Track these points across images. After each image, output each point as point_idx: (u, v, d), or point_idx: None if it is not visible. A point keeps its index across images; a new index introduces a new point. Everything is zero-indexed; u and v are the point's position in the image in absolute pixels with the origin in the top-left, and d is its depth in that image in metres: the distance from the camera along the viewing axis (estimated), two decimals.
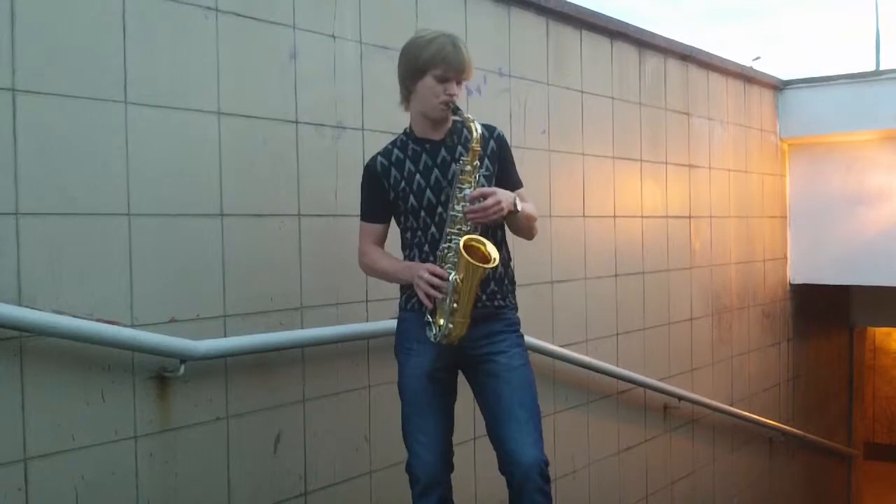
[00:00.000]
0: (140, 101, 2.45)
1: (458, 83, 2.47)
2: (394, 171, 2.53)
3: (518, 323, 2.60)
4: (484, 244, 2.39)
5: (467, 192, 2.39)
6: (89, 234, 2.35)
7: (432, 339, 2.42)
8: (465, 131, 2.50)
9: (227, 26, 2.68)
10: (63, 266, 2.28)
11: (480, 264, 2.33)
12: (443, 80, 2.44)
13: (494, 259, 2.35)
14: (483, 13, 3.68)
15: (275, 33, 2.84)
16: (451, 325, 2.38)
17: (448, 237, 2.41)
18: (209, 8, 2.63)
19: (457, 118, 2.48)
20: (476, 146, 2.41)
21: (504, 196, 2.41)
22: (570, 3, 4.14)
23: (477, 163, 2.42)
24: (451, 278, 2.36)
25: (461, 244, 2.34)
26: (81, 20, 2.33)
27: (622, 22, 4.55)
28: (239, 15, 2.72)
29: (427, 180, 2.50)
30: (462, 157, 2.43)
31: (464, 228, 2.40)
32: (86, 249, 2.34)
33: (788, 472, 6.53)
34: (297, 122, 2.90)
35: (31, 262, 2.22)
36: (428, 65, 2.43)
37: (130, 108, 2.43)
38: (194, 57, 2.60)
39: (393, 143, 2.60)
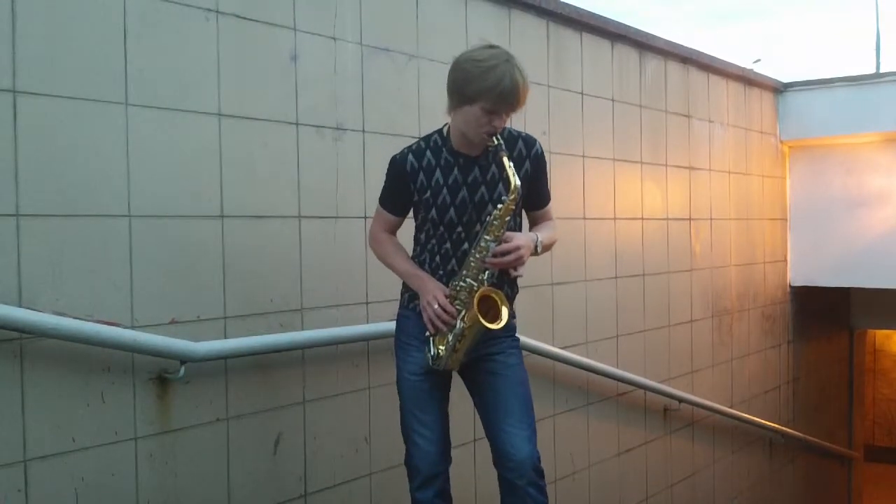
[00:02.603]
0: (141, 103, 2.45)
1: (507, 114, 2.37)
2: (421, 176, 2.46)
3: (514, 328, 2.60)
4: (499, 300, 2.39)
5: (492, 245, 2.35)
6: (90, 235, 2.35)
7: (429, 362, 2.46)
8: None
9: (228, 28, 2.68)
10: (63, 267, 2.29)
11: (488, 324, 2.35)
12: (491, 112, 2.31)
13: (501, 322, 2.37)
14: (483, 15, 3.68)
15: (275, 35, 2.84)
16: (448, 359, 2.44)
17: (464, 277, 2.40)
18: (209, 10, 2.63)
19: (497, 155, 2.36)
20: (511, 204, 2.35)
21: (526, 247, 2.38)
22: (570, 6, 4.14)
23: (508, 218, 2.37)
24: (458, 325, 2.39)
25: (476, 301, 2.35)
26: (82, 22, 2.33)
27: (622, 24, 4.55)
28: (239, 17, 2.72)
29: (453, 197, 2.44)
30: (495, 211, 2.36)
31: (481, 276, 2.38)
32: (86, 251, 2.34)
33: (788, 474, 6.53)
34: (297, 124, 2.90)
35: (32, 264, 2.22)
36: (479, 96, 2.28)
37: (131, 109, 2.43)
38: (195, 58, 2.60)
39: (426, 142, 2.50)
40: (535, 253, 2.45)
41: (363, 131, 3.12)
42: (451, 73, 2.37)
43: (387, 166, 2.55)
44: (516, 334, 2.61)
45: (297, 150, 2.90)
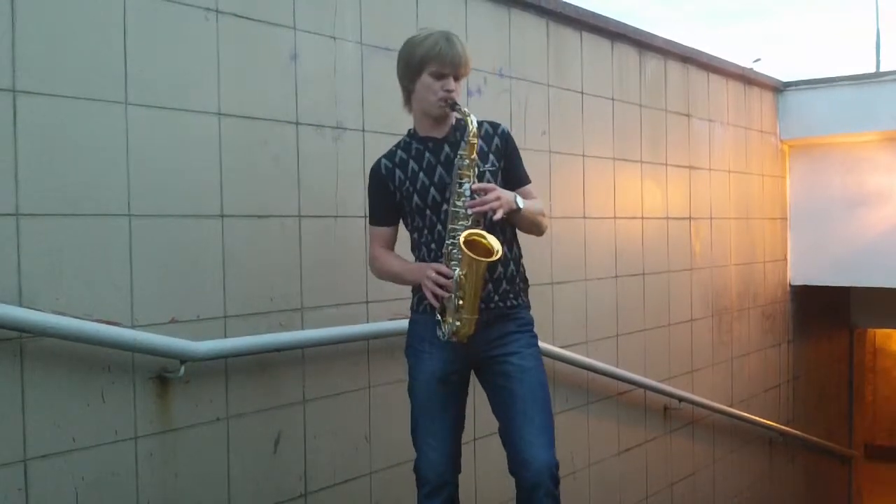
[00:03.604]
0: (140, 102, 2.45)
1: (456, 79, 2.46)
2: (398, 172, 2.51)
3: (531, 322, 2.58)
4: (485, 237, 2.36)
5: (467, 186, 2.37)
6: (90, 234, 2.35)
7: (441, 338, 2.40)
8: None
9: (228, 27, 2.68)
10: (63, 267, 2.29)
11: (482, 258, 2.31)
12: (439, 76, 2.42)
13: (497, 251, 2.33)
14: (483, 14, 3.69)
15: (275, 34, 2.84)
16: (458, 323, 2.36)
17: (451, 233, 2.39)
18: (209, 9, 2.63)
19: (456, 113, 2.46)
20: (473, 139, 2.38)
21: (504, 193, 2.40)
22: (570, 5, 4.15)
23: (475, 156, 2.40)
24: (455, 275, 2.34)
25: (461, 239, 2.32)
26: (82, 21, 2.33)
27: (622, 23, 4.56)
28: (239, 16, 2.72)
29: (431, 178, 2.48)
30: (461, 152, 2.41)
31: (465, 224, 2.37)
32: (86, 250, 2.34)
33: (788, 473, 6.53)
34: (297, 123, 2.91)
35: (32, 263, 2.22)
36: (423, 62, 2.43)
37: (131, 108, 2.43)
38: (195, 58, 2.61)
39: (397, 145, 2.58)
40: (516, 208, 2.42)
41: (363, 130, 3.13)
42: (397, 63, 2.53)
43: None
44: (534, 331, 2.58)
45: (297, 150, 2.90)
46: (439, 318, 2.41)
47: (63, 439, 2.29)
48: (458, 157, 2.41)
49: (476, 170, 2.40)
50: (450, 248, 2.39)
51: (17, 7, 2.19)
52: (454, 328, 2.37)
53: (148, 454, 2.49)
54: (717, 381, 5.51)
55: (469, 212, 2.36)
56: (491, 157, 2.51)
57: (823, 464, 7.25)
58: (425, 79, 2.44)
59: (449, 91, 2.44)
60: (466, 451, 3.39)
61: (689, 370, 5.20)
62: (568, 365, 4.04)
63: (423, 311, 2.50)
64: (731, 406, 5.58)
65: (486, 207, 2.35)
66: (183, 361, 2.49)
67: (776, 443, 6.24)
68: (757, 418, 5.83)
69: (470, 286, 2.34)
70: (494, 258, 2.33)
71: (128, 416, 2.44)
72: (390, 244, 2.62)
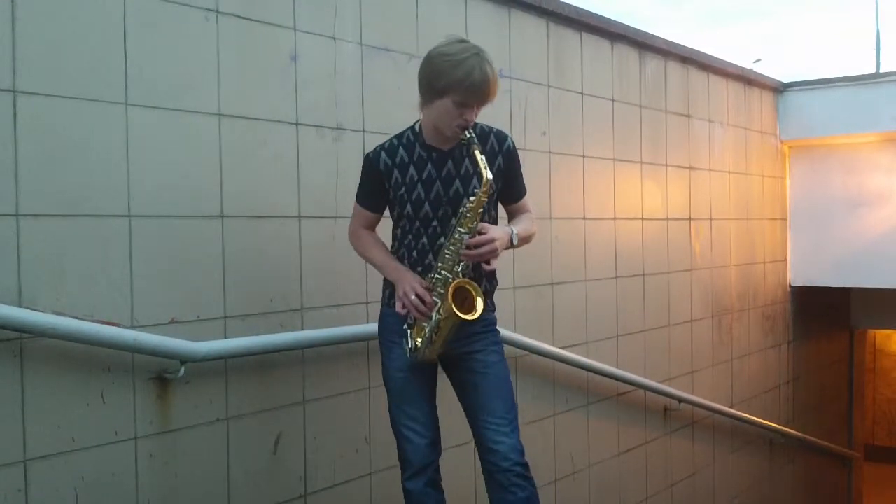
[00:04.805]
0: (140, 103, 2.45)
1: (478, 107, 2.39)
2: (396, 173, 2.50)
3: (495, 322, 2.64)
4: (474, 291, 2.41)
5: (466, 237, 2.38)
6: (90, 235, 2.35)
7: (407, 354, 2.48)
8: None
9: (228, 28, 2.68)
10: (63, 267, 2.29)
11: (463, 315, 2.37)
12: (462, 105, 2.34)
13: (477, 312, 2.39)
14: (483, 15, 3.69)
15: (275, 35, 2.84)
16: (426, 350, 2.46)
17: (440, 269, 2.42)
18: (209, 10, 2.63)
19: (470, 149, 2.39)
20: (483, 196, 2.37)
21: (501, 239, 2.41)
22: (570, 5, 4.15)
23: (481, 210, 2.40)
24: (433, 317, 2.40)
25: (450, 292, 2.37)
26: (82, 22, 2.33)
27: (622, 24, 4.56)
28: (239, 17, 2.72)
29: (428, 192, 2.47)
30: (468, 202, 2.39)
31: (456, 269, 2.40)
32: (86, 251, 2.34)
33: (788, 473, 6.53)
34: (297, 124, 2.91)
35: (32, 264, 2.22)
36: (449, 89, 2.31)
37: (131, 109, 2.43)
38: (195, 58, 2.60)
39: (399, 139, 2.53)
40: (511, 245, 2.48)
41: (363, 131, 3.12)
42: (422, 69, 2.41)
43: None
44: (497, 328, 2.64)
45: (297, 150, 2.90)
46: (407, 329, 2.48)
47: (63, 439, 2.29)
48: (465, 207, 2.39)
49: (477, 221, 2.40)
50: (435, 281, 2.42)
51: (18, 7, 2.19)
52: (422, 353, 2.46)
53: (148, 455, 2.49)
54: (717, 381, 5.51)
55: (461, 257, 2.39)
56: None
57: (823, 464, 7.25)
58: (446, 103, 2.34)
59: (467, 121, 2.37)
60: (466, 451, 3.39)
61: (689, 371, 5.20)
62: (568, 365, 4.05)
63: (395, 306, 2.54)
64: (731, 407, 5.58)
65: (479, 259, 2.40)
66: (183, 362, 2.49)
67: (776, 443, 6.24)
68: (757, 419, 5.84)
69: (444, 329, 2.42)
70: (472, 318, 2.39)
71: (128, 416, 2.44)
72: (373, 226, 2.66)
